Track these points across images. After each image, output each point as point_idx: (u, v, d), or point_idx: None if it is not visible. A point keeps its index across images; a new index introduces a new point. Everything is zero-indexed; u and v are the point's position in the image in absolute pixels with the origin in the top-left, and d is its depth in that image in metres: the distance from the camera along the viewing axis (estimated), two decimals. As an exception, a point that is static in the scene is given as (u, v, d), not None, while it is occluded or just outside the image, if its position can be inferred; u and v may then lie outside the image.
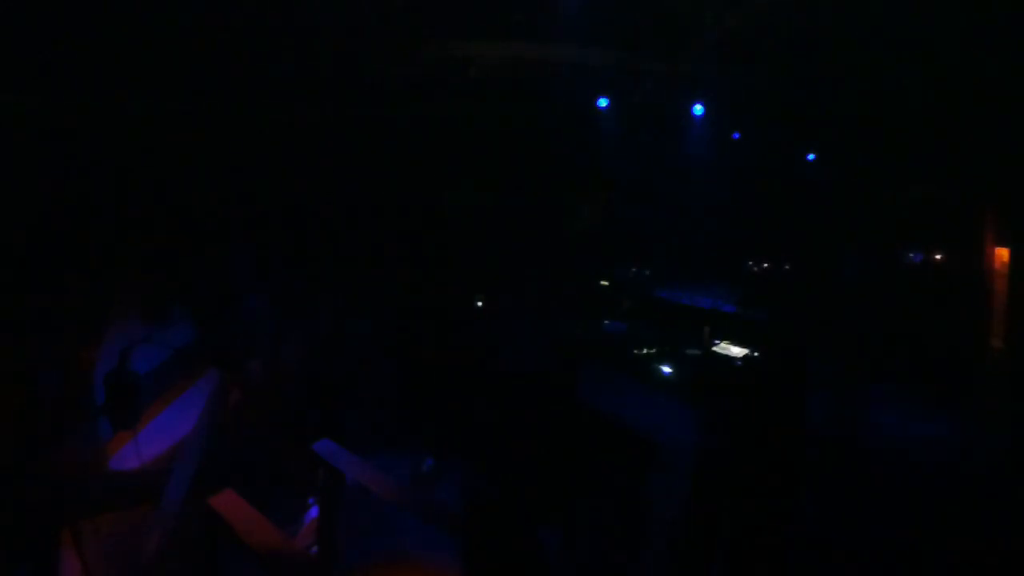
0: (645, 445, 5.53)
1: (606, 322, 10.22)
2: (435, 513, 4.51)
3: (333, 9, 5.59)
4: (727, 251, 11.43)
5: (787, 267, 11.35)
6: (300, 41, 5.91)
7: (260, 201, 6.98)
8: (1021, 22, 5.51)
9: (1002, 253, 8.43)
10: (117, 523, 5.33)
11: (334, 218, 7.74)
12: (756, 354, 8.22)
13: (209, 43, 5.57)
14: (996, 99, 6.87)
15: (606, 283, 11.37)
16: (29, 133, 5.16)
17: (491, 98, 7.57)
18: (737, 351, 8.45)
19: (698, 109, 8.33)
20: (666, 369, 8.74)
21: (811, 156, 9.96)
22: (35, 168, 5.23)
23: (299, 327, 7.38)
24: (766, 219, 10.85)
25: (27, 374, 5.07)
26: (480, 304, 9.58)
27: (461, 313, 9.17)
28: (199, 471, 5.70)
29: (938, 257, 9.81)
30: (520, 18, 6.01)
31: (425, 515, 4.45)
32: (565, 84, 7.46)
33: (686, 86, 7.77)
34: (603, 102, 8.04)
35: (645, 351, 9.36)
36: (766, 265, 11.69)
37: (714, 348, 8.69)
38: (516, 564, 3.96)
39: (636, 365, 9.17)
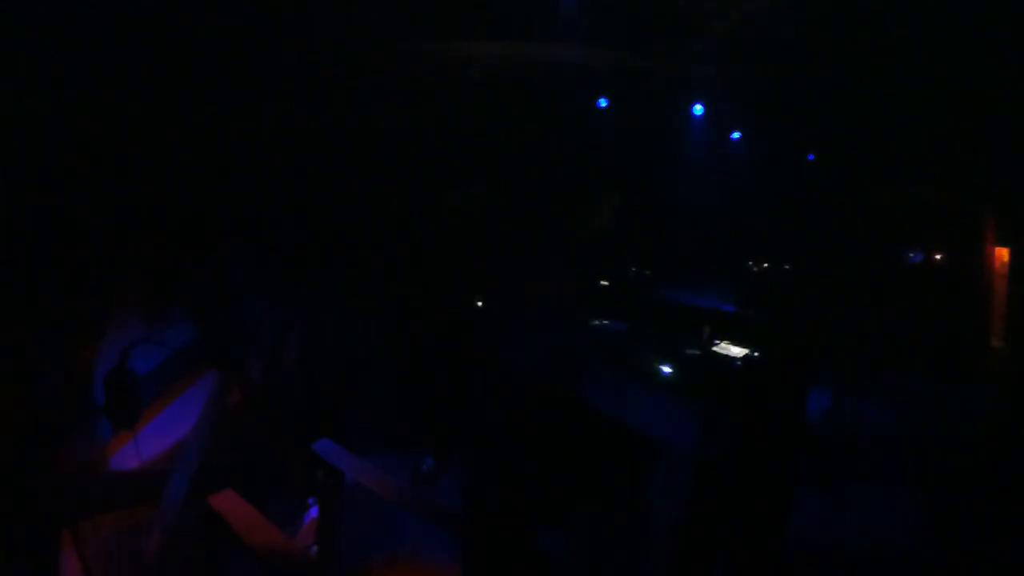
0: (645, 445, 5.53)
1: (605, 322, 10.22)
2: (435, 513, 4.51)
3: (332, 9, 5.59)
4: (727, 251, 11.42)
5: (787, 267, 11.34)
6: (300, 41, 5.91)
7: (260, 201, 6.98)
8: (1021, 22, 5.50)
9: (1002, 253, 8.43)
10: (117, 523, 5.33)
11: (334, 218, 7.73)
12: (756, 354, 8.22)
13: (209, 43, 5.57)
14: (996, 99, 6.87)
15: (606, 283, 11.36)
16: (29, 133, 5.15)
17: (491, 98, 7.57)
18: (737, 351, 8.45)
19: (698, 109, 8.33)
20: (666, 369, 8.73)
21: (811, 156, 9.96)
22: (35, 168, 5.23)
23: (299, 327, 7.37)
24: (766, 219, 10.84)
25: (27, 374, 5.06)
26: (480, 304, 9.58)
27: (461, 313, 9.16)
28: (199, 471, 5.70)
29: (938, 257, 9.80)
30: (520, 18, 6.01)
31: (425, 515, 4.46)
32: (565, 84, 7.46)
33: (686, 86, 7.76)
34: (603, 102, 8.04)
35: (645, 351, 9.35)
36: (766, 265, 11.69)
37: (714, 348, 8.69)
38: (516, 564, 3.96)
39: (636, 365, 9.17)
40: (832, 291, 9.69)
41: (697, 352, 8.82)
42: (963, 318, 8.52)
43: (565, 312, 9.68)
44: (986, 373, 8.20)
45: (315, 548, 4.94)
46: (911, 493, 5.64)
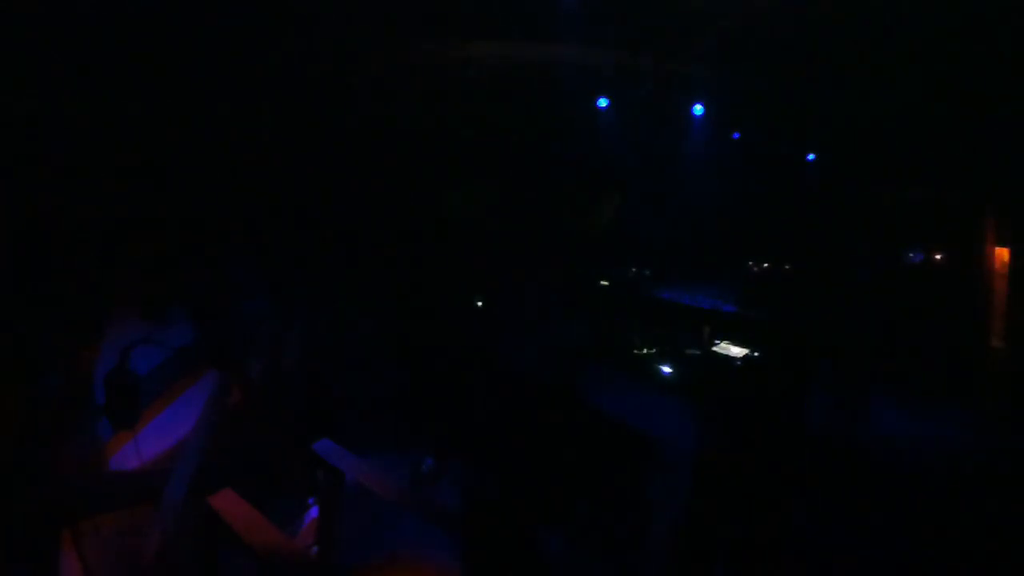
0: (645, 445, 5.53)
1: (606, 322, 10.22)
2: (435, 513, 4.52)
3: (332, 9, 5.59)
4: (727, 251, 11.42)
5: (787, 267, 11.35)
6: (300, 41, 5.91)
7: (260, 201, 6.98)
8: (1021, 22, 5.50)
9: (1002, 253, 8.43)
10: (117, 523, 5.33)
11: (334, 218, 7.73)
12: (756, 354, 8.23)
13: (209, 43, 5.57)
14: (996, 99, 6.87)
15: (606, 283, 11.37)
16: (28, 133, 5.16)
17: (491, 98, 7.57)
18: (737, 351, 8.46)
19: (698, 109, 8.34)
20: (666, 369, 8.74)
21: (811, 156, 9.96)
22: (35, 168, 5.23)
23: (299, 327, 7.38)
24: (766, 219, 10.85)
25: (27, 374, 5.07)
26: (480, 304, 9.58)
27: (461, 313, 9.17)
28: (199, 471, 5.70)
29: (938, 257, 9.80)
30: (520, 18, 6.01)
31: (425, 515, 4.46)
32: (564, 84, 7.46)
33: (686, 86, 7.76)
34: (603, 102, 8.04)
35: (645, 351, 9.36)
36: (766, 265, 11.69)
37: (714, 348, 8.70)
38: (516, 564, 3.96)
39: (636, 365, 9.17)
40: (832, 291, 9.69)
41: (697, 352, 8.82)
42: (963, 318, 8.52)
43: (564, 312, 9.69)
44: (986, 373, 8.20)
45: (315, 548, 4.95)
46: (910, 493, 5.64)
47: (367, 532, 4.97)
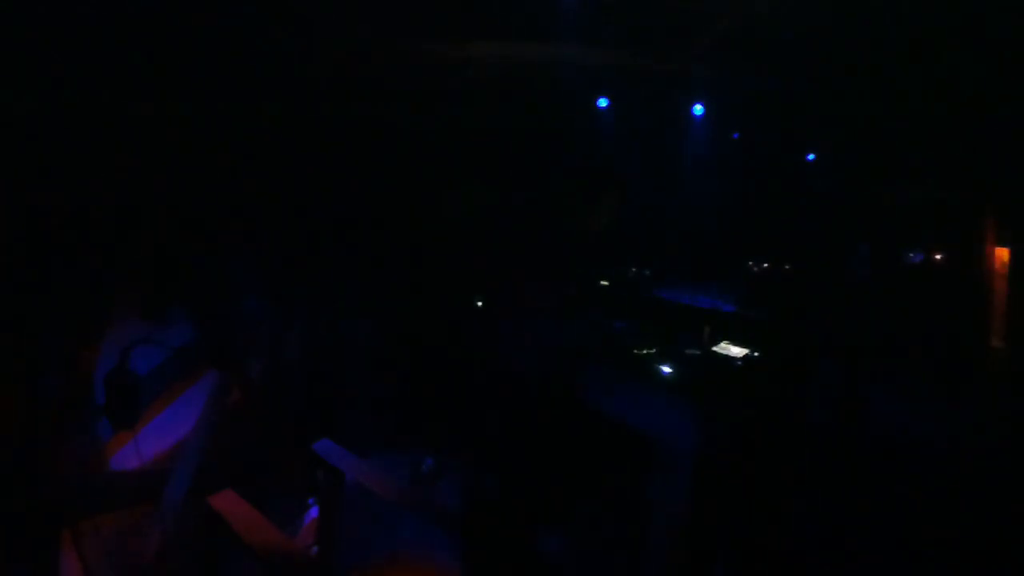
0: (645, 445, 5.53)
1: (605, 322, 10.21)
2: (435, 513, 4.52)
3: (332, 8, 5.60)
4: (727, 251, 11.42)
5: (787, 267, 11.34)
6: (300, 40, 5.91)
7: (260, 201, 6.98)
8: (1021, 22, 5.51)
9: (1002, 253, 8.43)
10: (117, 523, 5.34)
11: (334, 218, 7.74)
12: (756, 354, 8.22)
13: (209, 42, 5.57)
14: (996, 99, 6.87)
15: (606, 283, 11.37)
16: (28, 133, 5.16)
17: (490, 98, 7.57)
18: (737, 351, 8.45)
19: (698, 109, 8.34)
20: (666, 369, 8.73)
21: (811, 156, 9.97)
22: (35, 168, 5.23)
23: (299, 327, 7.38)
24: (766, 219, 10.84)
25: (27, 374, 5.07)
26: (480, 304, 9.58)
27: (461, 313, 9.16)
28: (199, 471, 5.71)
29: (938, 257, 9.81)
30: (520, 18, 6.02)
31: (425, 515, 4.47)
32: (564, 84, 7.46)
33: (686, 86, 7.77)
34: (603, 102, 8.05)
35: (645, 351, 9.35)
36: (766, 265, 11.68)
37: (714, 348, 8.69)
38: (516, 564, 3.97)
39: (636, 365, 9.16)
40: (832, 291, 9.69)
41: (697, 352, 8.81)
42: (963, 318, 8.52)
43: (564, 312, 9.69)
44: (986, 373, 8.20)
45: (315, 548, 4.95)
46: (911, 493, 5.64)
47: (367, 532, 4.97)
